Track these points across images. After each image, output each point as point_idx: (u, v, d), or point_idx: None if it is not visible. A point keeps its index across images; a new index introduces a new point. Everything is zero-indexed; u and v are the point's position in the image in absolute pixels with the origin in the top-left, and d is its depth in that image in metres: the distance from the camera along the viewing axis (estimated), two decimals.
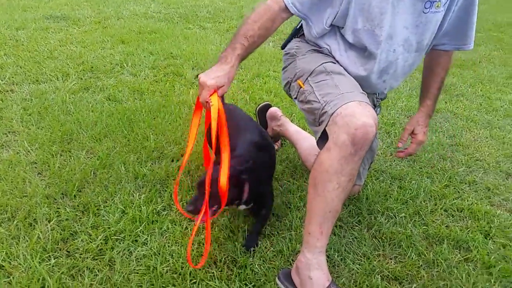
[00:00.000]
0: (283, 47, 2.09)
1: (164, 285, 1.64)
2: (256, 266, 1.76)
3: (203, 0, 6.97)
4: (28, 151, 2.41)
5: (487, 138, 3.07)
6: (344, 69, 1.79)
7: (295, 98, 1.87)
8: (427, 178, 2.50)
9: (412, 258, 1.87)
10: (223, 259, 1.79)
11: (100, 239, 1.83)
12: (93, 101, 3.10)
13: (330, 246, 1.88)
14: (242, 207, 1.80)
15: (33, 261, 1.68)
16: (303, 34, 1.96)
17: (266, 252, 1.84)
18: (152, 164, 2.39)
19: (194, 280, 1.67)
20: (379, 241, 1.97)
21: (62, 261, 1.71)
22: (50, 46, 4.23)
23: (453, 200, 2.29)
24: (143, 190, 2.16)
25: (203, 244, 1.83)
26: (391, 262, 1.85)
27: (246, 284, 1.67)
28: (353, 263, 1.82)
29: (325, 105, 1.59)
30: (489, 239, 2.02)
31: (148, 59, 4.05)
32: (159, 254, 1.78)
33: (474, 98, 3.83)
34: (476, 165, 2.68)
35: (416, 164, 2.64)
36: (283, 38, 2.09)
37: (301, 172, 2.43)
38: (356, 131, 1.45)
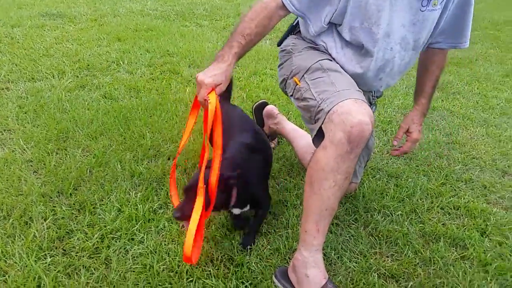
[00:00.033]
0: (279, 44, 2.08)
1: (160, 284, 1.63)
2: (253, 264, 1.76)
3: None
4: (24, 149, 2.40)
5: (483, 136, 3.07)
6: (341, 66, 1.79)
7: (291, 95, 1.86)
8: (424, 176, 2.50)
9: (408, 256, 1.87)
10: (219, 257, 1.79)
11: (96, 238, 1.82)
12: (89, 99, 3.09)
13: (326, 244, 1.88)
14: (237, 210, 1.78)
15: (29, 259, 1.67)
16: (299, 31, 1.96)
17: (263, 250, 1.84)
18: (148, 162, 2.38)
19: (191, 279, 1.66)
20: (375, 239, 1.97)
21: (58, 260, 1.70)
22: (46, 43, 4.21)
23: (450, 198, 2.30)
24: (139, 188, 2.15)
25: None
26: (387, 260, 1.86)
27: (242, 282, 1.67)
28: (349, 261, 1.82)
29: (321, 103, 1.59)
30: (486, 237, 2.03)
31: (144, 57, 4.04)
32: (155, 252, 1.77)
33: (470, 96, 3.84)
34: (472, 163, 2.69)
35: (413, 162, 2.64)
36: (280, 36, 2.08)
37: (298, 170, 2.43)
38: (352, 129, 1.44)
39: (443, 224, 2.10)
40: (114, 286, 1.61)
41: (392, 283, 1.74)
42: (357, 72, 1.79)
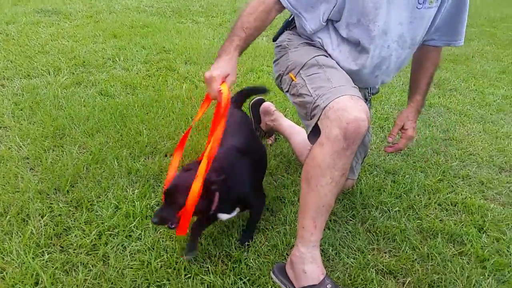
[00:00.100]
0: (274, 40, 2.07)
1: (158, 280, 1.63)
2: (251, 260, 1.76)
3: None
4: (20, 147, 2.39)
5: (480, 132, 3.08)
6: (336, 63, 1.79)
7: (287, 91, 1.85)
8: (421, 172, 2.50)
9: (406, 252, 1.87)
10: (217, 253, 1.79)
11: (94, 235, 1.81)
12: (85, 96, 3.07)
13: (324, 240, 1.88)
14: (224, 216, 1.72)
15: (26, 256, 1.67)
16: (295, 26, 1.94)
17: (261, 247, 1.84)
18: (145, 159, 2.38)
19: (189, 275, 1.66)
20: (373, 235, 1.97)
21: (56, 257, 1.70)
22: (41, 40, 4.19)
23: (447, 194, 2.30)
24: (136, 185, 2.15)
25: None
26: (385, 256, 1.86)
27: (240, 279, 1.67)
28: (347, 257, 1.83)
29: (317, 99, 1.58)
30: (483, 233, 2.03)
31: (140, 54, 4.03)
32: (153, 249, 1.77)
33: (467, 93, 3.85)
34: (469, 160, 2.69)
35: (410, 158, 2.64)
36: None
37: (295, 166, 2.43)
38: (348, 125, 1.44)
39: (440, 220, 2.11)
40: (112, 282, 1.61)
41: (390, 279, 1.74)
42: (352, 69, 1.78)
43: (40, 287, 1.57)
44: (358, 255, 1.84)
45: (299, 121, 2.57)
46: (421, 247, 1.91)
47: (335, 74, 1.68)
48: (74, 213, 1.94)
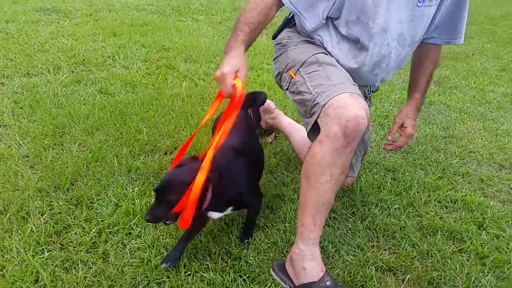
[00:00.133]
0: (274, 37, 2.07)
1: (158, 277, 1.63)
2: (251, 257, 1.76)
3: None
4: (20, 145, 2.39)
5: (480, 130, 3.08)
6: (336, 61, 1.78)
7: (286, 89, 1.85)
8: (421, 170, 2.50)
9: (406, 249, 1.87)
10: (217, 251, 1.79)
11: (94, 232, 1.82)
12: (85, 94, 3.07)
13: (324, 238, 1.88)
14: (215, 214, 1.68)
15: (26, 254, 1.67)
16: (295, 24, 1.94)
17: (261, 244, 1.84)
18: (145, 157, 2.38)
19: (189, 272, 1.66)
20: (373, 233, 1.97)
21: (56, 254, 1.70)
22: (41, 39, 4.19)
23: (447, 191, 2.30)
24: (136, 183, 2.15)
25: (197, 238, 1.83)
26: (385, 253, 1.86)
27: (240, 276, 1.67)
28: (347, 254, 1.83)
29: (316, 96, 1.58)
30: (483, 230, 2.03)
31: (140, 52, 4.03)
32: (153, 246, 1.77)
33: (467, 91, 3.84)
34: (469, 157, 2.69)
35: (410, 156, 2.64)
36: None
37: (295, 164, 2.43)
38: (348, 123, 1.44)
39: (440, 217, 2.11)
40: (112, 280, 1.61)
41: (389, 276, 1.75)
42: (352, 66, 1.78)
43: (40, 285, 1.57)
44: (358, 252, 1.84)
45: (299, 119, 2.57)
46: (420, 244, 1.91)
47: (335, 72, 1.68)
48: (74, 211, 1.94)
